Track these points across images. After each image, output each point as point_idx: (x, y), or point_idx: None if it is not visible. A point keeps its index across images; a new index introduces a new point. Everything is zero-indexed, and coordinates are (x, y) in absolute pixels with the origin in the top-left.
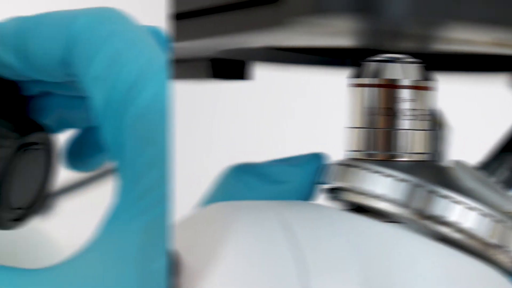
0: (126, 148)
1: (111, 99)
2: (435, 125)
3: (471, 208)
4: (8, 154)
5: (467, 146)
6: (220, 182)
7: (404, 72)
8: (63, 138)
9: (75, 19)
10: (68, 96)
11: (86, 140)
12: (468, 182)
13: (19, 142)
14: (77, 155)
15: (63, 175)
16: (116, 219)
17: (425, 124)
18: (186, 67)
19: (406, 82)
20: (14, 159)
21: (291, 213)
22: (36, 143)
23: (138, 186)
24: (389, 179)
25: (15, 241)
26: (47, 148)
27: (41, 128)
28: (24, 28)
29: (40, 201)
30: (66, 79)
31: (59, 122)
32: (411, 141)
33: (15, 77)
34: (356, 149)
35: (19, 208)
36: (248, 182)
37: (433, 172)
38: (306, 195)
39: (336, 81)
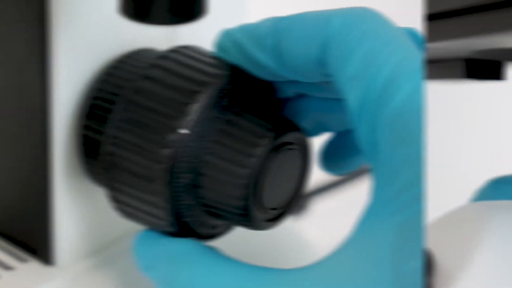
0: (381, 148)
1: (367, 98)
2: None
3: None
4: (264, 153)
5: None
6: (479, 195)
7: None
8: (317, 141)
9: (331, 19)
10: (324, 99)
11: (342, 143)
12: None
13: (275, 142)
14: (333, 158)
15: (317, 175)
16: (370, 219)
17: None
18: (440, 67)
19: None
20: (269, 158)
21: None
22: (291, 143)
23: (392, 185)
24: None
25: (269, 241)
26: (302, 149)
27: (296, 128)
28: (279, 28)
29: (294, 201)
30: (321, 80)
31: (315, 125)
32: None
33: (271, 78)
34: None
35: (274, 209)
36: (506, 192)
37: None
38: None
39: None
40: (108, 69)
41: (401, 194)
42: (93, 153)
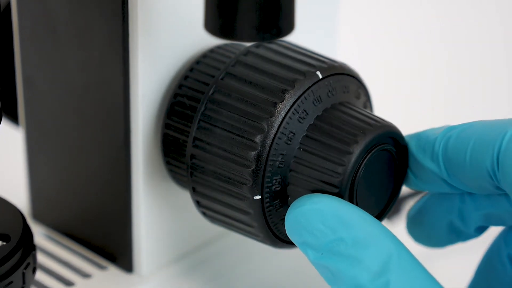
0: None
1: None
2: None
3: None
4: (359, 151)
5: None
6: None
7: None
8: None
9: (506, 129)
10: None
11: None
12: None
13: (371, 140)
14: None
15: None
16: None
17: None
18: None
19: None
20: (364, 157)
21: None
22: (387, 144)
23: None
24: None
25: None
26: (398, 149)
27: (394, 129)
28: (449, 135)
29: (389, 205)
30: (492, 192)
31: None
32: None
33: (439, 187)
34: None
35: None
36: None
37: None
38: None
39: None
40: (191, 64)
41: None
42: (177, 153)
